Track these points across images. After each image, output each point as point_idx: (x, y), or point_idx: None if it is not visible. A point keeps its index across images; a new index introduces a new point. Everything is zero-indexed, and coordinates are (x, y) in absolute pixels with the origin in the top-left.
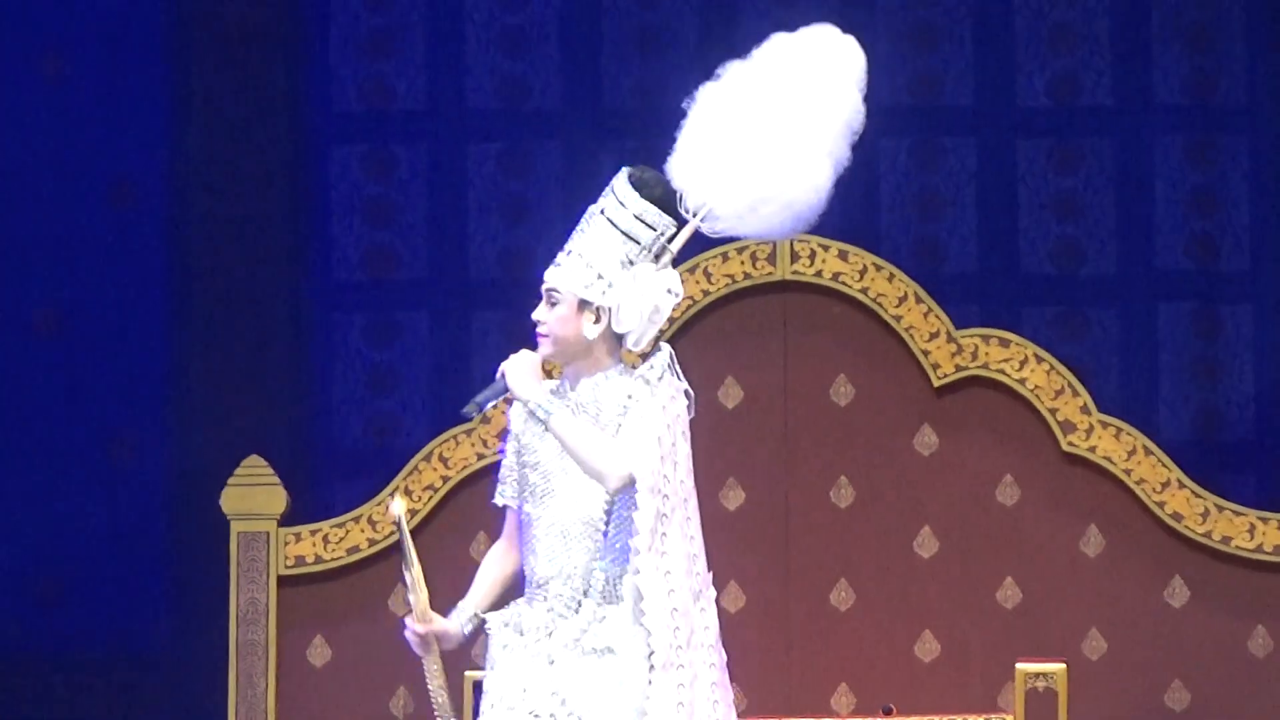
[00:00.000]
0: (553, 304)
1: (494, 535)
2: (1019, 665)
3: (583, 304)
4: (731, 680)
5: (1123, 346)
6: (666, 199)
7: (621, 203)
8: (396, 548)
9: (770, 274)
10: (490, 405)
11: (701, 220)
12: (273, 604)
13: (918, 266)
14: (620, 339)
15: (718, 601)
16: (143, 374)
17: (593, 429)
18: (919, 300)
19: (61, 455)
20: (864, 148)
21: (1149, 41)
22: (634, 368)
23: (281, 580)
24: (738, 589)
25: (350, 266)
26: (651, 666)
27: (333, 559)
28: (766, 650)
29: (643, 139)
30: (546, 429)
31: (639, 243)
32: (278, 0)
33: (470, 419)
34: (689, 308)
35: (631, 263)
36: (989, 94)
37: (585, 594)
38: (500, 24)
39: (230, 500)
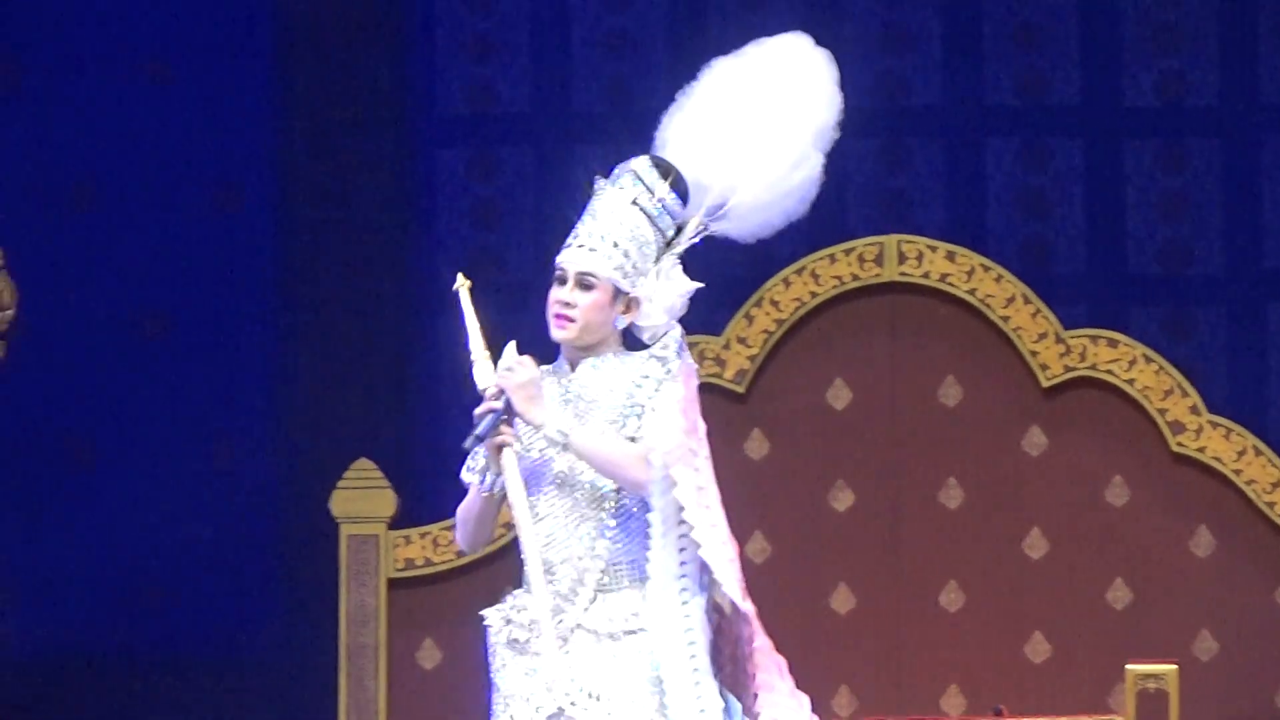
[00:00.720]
0: (586, 288)
1: None
2: (1129, 666)
3: (618, 293)
4: (841, 682)
5: (1231, 346)
6: (686, 192)
7: (650, 190)
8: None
9: (878, 275)
10: (490, 431)
11: (711, 218)
12: (383, 607)
13: (1025, 267)
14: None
15: (828, 603)
16: (250, 377)
17: (608, 434)
18: (1027, 301)
19: (170, 459)
20: (972, 148)
21: (1255, 41)
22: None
23: (391, 583)
24: (847, 591)
25: (456, 268)
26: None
27: (442, 562)
28: (876, 652)
29: None
30: (566, 449)
31: (663, 234)
32: (382, 4)
33: (473, 453)
34: (796, 309)
35: (657, 255)
36: (1096, 94)
37: (591, 576)
38: (606, 26)
39: (339, 503)
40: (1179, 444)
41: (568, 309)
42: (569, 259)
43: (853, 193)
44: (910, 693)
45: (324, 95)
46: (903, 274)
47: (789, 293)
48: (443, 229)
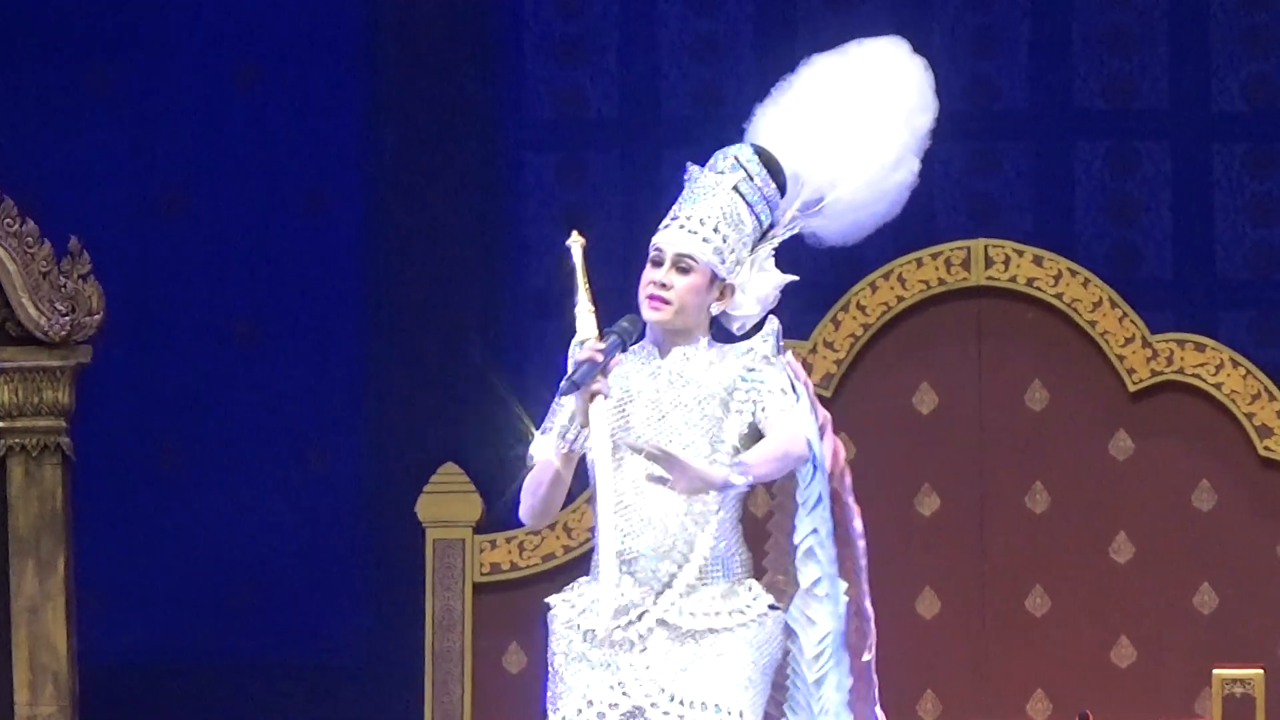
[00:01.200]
0: (683, 270)
1: None
2: (1216, 671)
3: (714, 278)
4: (926, 686)
5: None
6: (785, 184)
7: (751, 178)
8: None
9: (965, 279)
10: (588, 379)
11: (805, 213)
12: (468, 611)
13: (1113, 271)
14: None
15: (914, 607)
16: (338, 382)
17: (763, 445)
18: (1114, 305)
19: (258, 463)
20: (1059, 153)
21: None
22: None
23: (477, 587)
24: (933, 595)
25: (545, 274)
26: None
27: (528, 566)
28: (962, 656)
29: None
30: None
31: (760, 224)
32: (470, 9)
33: (552, 412)
34: (883, 313)
35: (753, 244)
36: (1184, 98)
37: (682, 571)
38: (694, 30)
39: (426, 508)
40: (1266, 448)
41: (663, 290)
42: (668, 239)
43: (940, 196)
44: (996, 697)
45: (413, 101)
46: (990, 278)
47: (875, 297)
48: (531, 234)
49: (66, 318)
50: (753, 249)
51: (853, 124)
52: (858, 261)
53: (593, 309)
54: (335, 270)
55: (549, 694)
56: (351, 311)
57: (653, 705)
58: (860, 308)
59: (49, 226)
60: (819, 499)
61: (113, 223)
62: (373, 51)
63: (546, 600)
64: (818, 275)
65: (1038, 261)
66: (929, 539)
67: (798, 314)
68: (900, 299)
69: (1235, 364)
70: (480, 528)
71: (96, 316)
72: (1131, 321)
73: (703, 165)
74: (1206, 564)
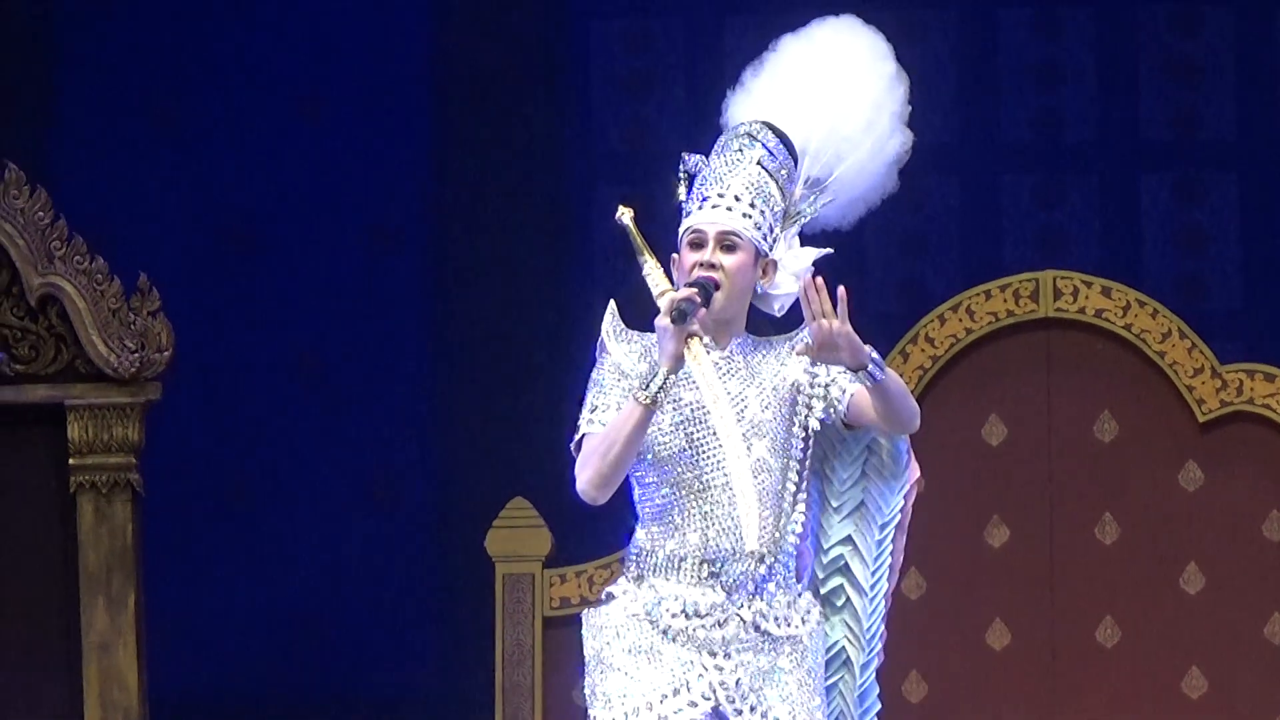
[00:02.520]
0: (729, 249)
1: None
2: None
3: (758, 255)
4: (998, 717)
5: None
6: (797, 160)
7: (771, 153)
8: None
9: (1033, 311)
10: (690, 316)
11: (812, 189)
12: (538, 645)
13: (1181, 302)
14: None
15: (984, 638)
16: (406, 417)
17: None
18: (1183, 336)
19: (327, 498)
20: (1126, 184)
21: None
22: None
23: (546, 621)
24: (1003, 626)
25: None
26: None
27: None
28: (1032, 687)
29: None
30: (874, 384)
31: (784, 198)
32: (537, 43)
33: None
34: (952, 345)
35: (781, 220)
36: (1250, 128)
37: (770, 575)
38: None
39: (495, 542)
40: None
41: (714, 271)
42: (708, 219)
43: (1008, 229)
44: None
45: (479, 135)
46: (1058, 309)
47: (944, 329)
48: (598, 267)
49: (136, 354)
50: (782, 226)
51: (841, 99)
52: (925, 294)
53: (659, 265)
54: (402, 305)
55: (594, 690)
56: (419, 347)
57: (738, 713)
58: (929, 340)
59: (118, 264)
60: (879, 507)
61: (181, 260)
62: (439, 87)
63: (609, 590)
64: (885, 307)
65: (1106, 293)
66: (998, 570)
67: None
68: (969, 331)
69: None
70: (550, 562)
71: (166, 353)
72: (1200, 352)
73: None
74: (1277, 594)
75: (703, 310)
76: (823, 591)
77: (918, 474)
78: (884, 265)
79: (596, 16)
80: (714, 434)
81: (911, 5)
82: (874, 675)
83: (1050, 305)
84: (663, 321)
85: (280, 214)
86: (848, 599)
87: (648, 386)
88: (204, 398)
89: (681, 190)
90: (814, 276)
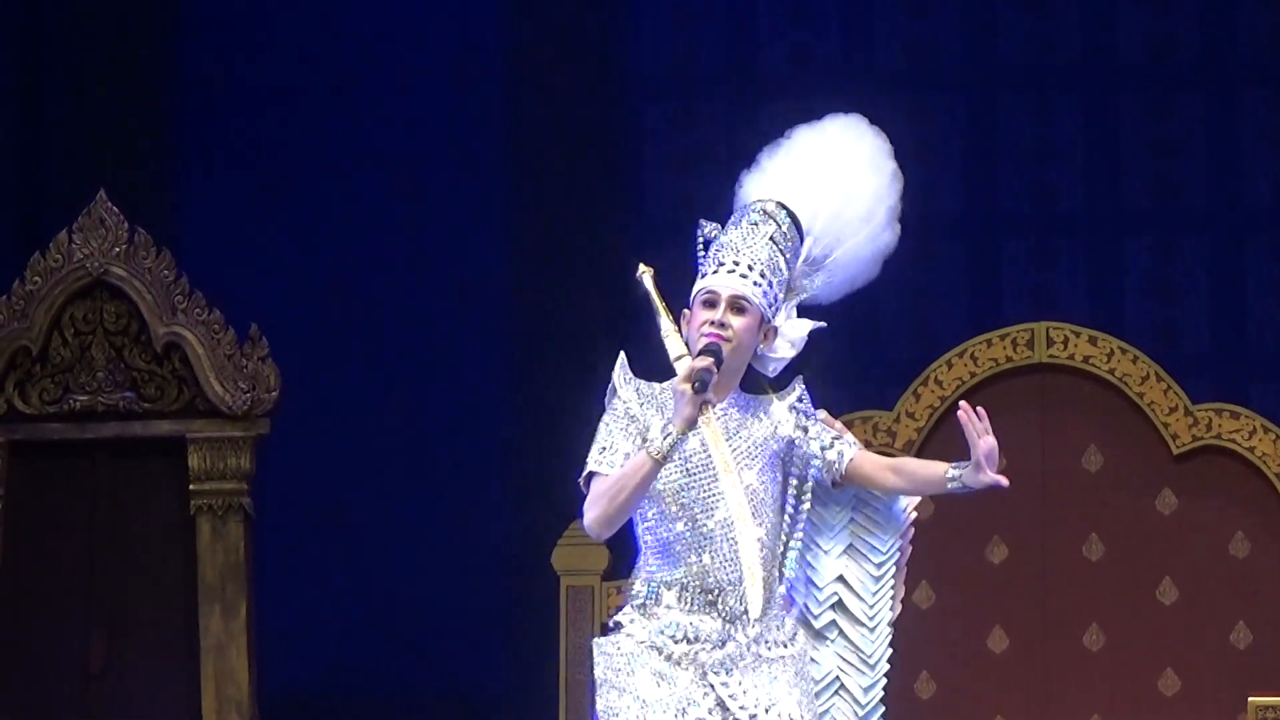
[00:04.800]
0: (739, 311)
1: None
2: (1251, 699)
3: (763, 320)
4: (996, 713)
5: None
6: (803, 239)
7: (781, 229)
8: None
9: (1029, 358)
10: (708, 386)
11: (811, 266)
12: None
13: (1158, 348)
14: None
15: (985, 643)
16: (483, 451)
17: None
18: (1159, 379)
19: (415, 521)
20: (1110, 247)
21: None
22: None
23: (604, 628)
24: (1001, 633)
25: (662, 357)
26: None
27: (605, 628)
28: (1027, 687)
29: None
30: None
31: (789, 273)
32: (597, 125)
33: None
34: (958, 387)
35: (785, 292)
36: (1219, 198)
37: (759, 604)
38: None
39: (560, 559)
40: None
41: (723, 329)
42: (722, 283)
43: (1007, 285)
44: None
45: (549, 207)
46: (1050, 356)
47: (951, 373)
48: (650, 322)
49: (248, 394)
50: (785, 297)
51: (846, 188)
52: (935, 342)
53: (676, 329)
54: (480, 354)
55: (607, 709)
56: (494, 390)
57: (752, 717)
58: (938, 382)
59: (232, 315)
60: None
61: (288, 312)
62: (513, 166)
63: (616, 619)
64: (898, 354)
65: (1093, 341)
66: (998, 584)
67: (883, 387)
68: (973, 374)
69: (1266, 430)
70: (607, 575)
71: (274, 393)
72: (1175, 393)
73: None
74: (1242, 604)
75: (716, 377)
76: (817, 626)
77: (913, 517)
78: (898, 316)
79: (650, 100)
80: (712, 475)
81: (925, 91)
82: (880, 697)
83: (1044, 352)
84: (682, 387)
85: (377, 273)
86: (840, 631)
87: (659, 444)
88: (308, 432)
89: (701, 252)
90: (963, 404)
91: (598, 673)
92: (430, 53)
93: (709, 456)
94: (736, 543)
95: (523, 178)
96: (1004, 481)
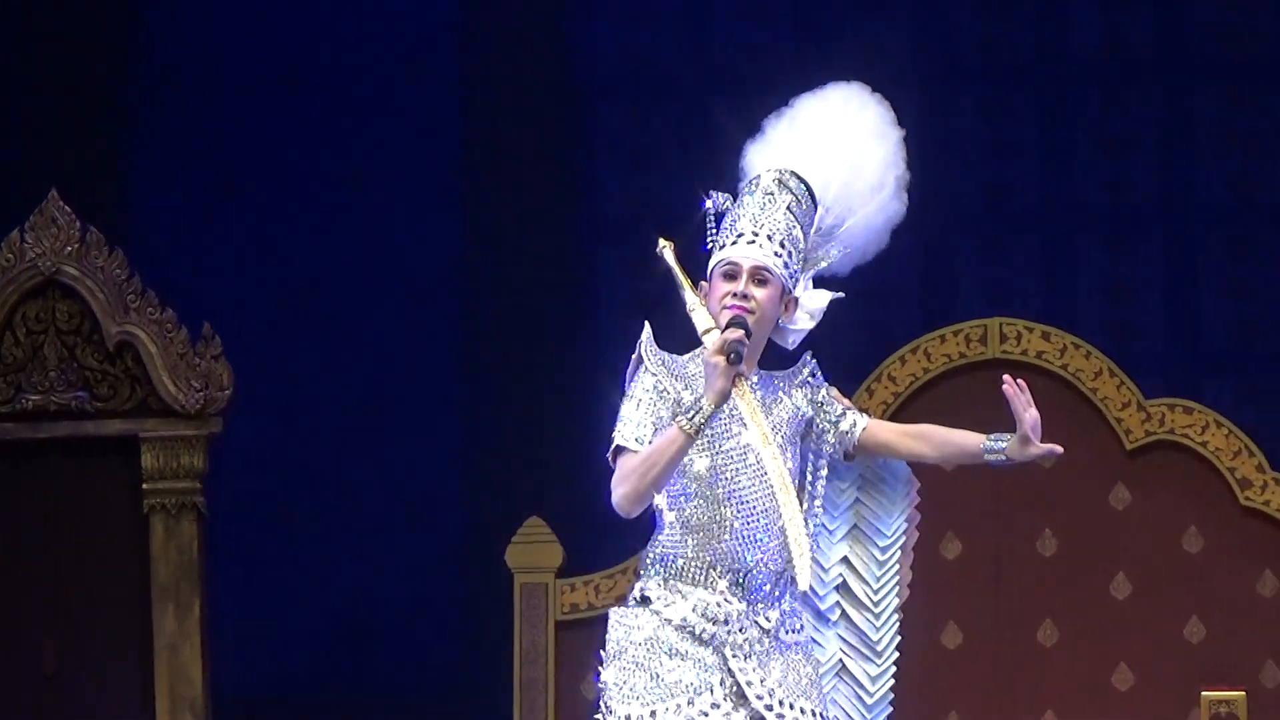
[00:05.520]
0: (761, 283)
1: None
2: (1204, 693)
3: (784, 291)
4: (951, 708)
5: None
6: (816, 209)
7: (798, 200)
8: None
9: (982, 353)
10: (741, 357)
11: (824, 237)
12: (551, 646)
13: (1111, 345)
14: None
15: (940, 639)
16: (438, 449)
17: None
18: (1113, 374)
19: (369, 519)
20: (1063, 243)
21: None
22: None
23: (559, 625)
24: (956, 628)
25: (617, 353)
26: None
27: (603, 605)
28: (982, 682)
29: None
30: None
31: (805, 244)
32: (550, 123)
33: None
34: (911, 383)
35: (801, 262)
36: (1171, 195)
37: (784, 589)
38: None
39: (514, 556)
40: (1247, 498)
41: (746, 300)
42: (743, 254)
43: (961, 281)
44: (1011, 717)
45: (500, 204)
46: (1004, 352)
47: (905, 369)
48: (603, 319)
49: (200, 393)
50: (803, 267)
51: (856, 157)
52: (889, 338)
53: (702, 302)
54: (434, 352)
55: (615, 682)
56: (449, 388)
57: (767, 708)
58: (891, 378)
59: (185, 314)
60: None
61: (241, 310)
62: (466, 164)
63: (644, 591)
64: (853, 349)
65: (1046, 337)
66: (952, 579)
67: (836, 383)
68: (926, 370)
69: (1219, 424)
70: (561, 573)
71: (226, 392)
72: (1128, 388)
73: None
74: (1195, 600)
75: (747, 348)
76: (821, 608)
77: (918, 501)
78: (853, 312)
79: (603, 98)
80: (741, 451)
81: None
82: (889, 686)
83: (997, 348)
84: (715, 359)
85: (330, 270)
86: (844, 614)
87: (692, 418)
88: (260, 430)
89: (710, 224)
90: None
91: (612, 643)
92: (384, 49)
93: (736, 431)
94: (766, 521)
95: (476, 173)
96: (1059, 448)
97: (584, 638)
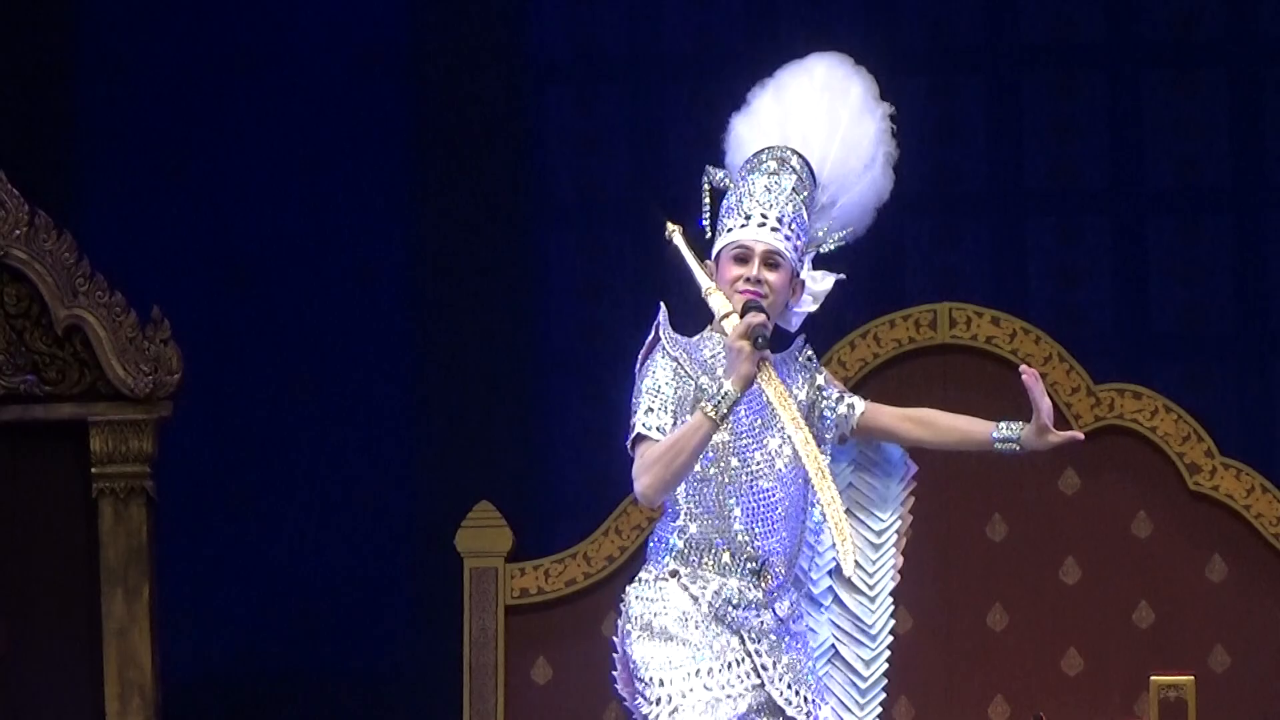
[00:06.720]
0: (772, 266)
1: None
2: (1153, 678)
3: (793, 275)
4: (900, 693)
5: (1242, 396)
6: (816, 187)
7: (801, 181)
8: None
9: (932, 338)
10: (767, 341)
11: (822, 216)
12: (501, 630)
13: (1060, 329)
14: None
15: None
16: (386, 432)
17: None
18: (1062, 359)
19: (317, 503)
20: (1013, 227)
21: (1262, 130)
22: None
23: (508, 609)
24: (905, 613)
25: (566, 337)
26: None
27: (553, 590)
28: (932, 666)
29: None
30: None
31: (809, 225)
32: (501, 106)
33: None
34: (861, 368)
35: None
36: (1121, 179)
37: (791, 573)
38: (697, 125)
39: (464, 540)
40: (1195, 483)
41: (760, 286)
42: (754, 237)
43: (910, 266)
44: (961, 703)
45: (450, 188)
46: (953, 337)
47: (854, 354)
48: (554, 302)
49: (150, 377)
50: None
51: (846, 134)
52: (838, 322)
53: (716, 286)
54: (382, 334)
55: (657, 661)
56: (398, 371)
57: (779, 695)
58: (841, 363)
59: (134, 297)
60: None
61: (190, 293)
62: (415, 145)
63: (672, 567)
64: (802, 334)
65: (995, 322)
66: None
67: None
68: (876, 355)
69: (1168, 410)
70: (511, 557)
71: (176, 375)
72: (1077, 373)
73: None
74: (1144, 584)
75: (770, 331)
76: (814, 591)
77: (913, 486)
78: None
79: (551, 82)
80: (759, 437)
81: None
82: (884, 670)
83: (947, 333)
84: (739, 344)
85: (277, 253)
86: (837, 598)
87: (718, 405)
88: (209, 414)
89: (707, 200)
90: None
91: (632, 617)
92: (331, 33)
93: (755, 416)
94: (783, 509)
95: (424, 157)
96: (1080, 435)
97: (533, 623)
